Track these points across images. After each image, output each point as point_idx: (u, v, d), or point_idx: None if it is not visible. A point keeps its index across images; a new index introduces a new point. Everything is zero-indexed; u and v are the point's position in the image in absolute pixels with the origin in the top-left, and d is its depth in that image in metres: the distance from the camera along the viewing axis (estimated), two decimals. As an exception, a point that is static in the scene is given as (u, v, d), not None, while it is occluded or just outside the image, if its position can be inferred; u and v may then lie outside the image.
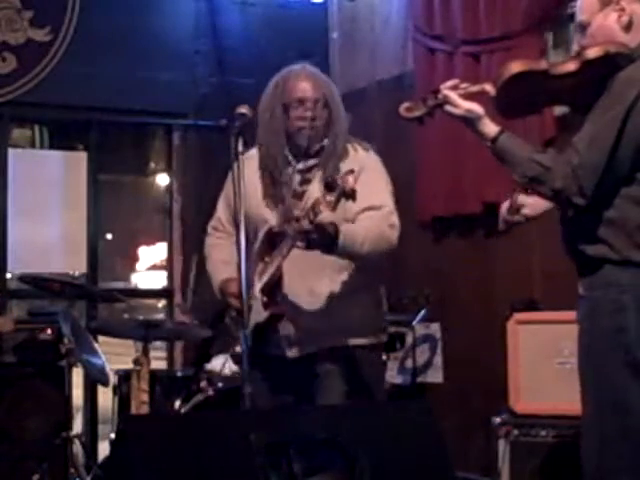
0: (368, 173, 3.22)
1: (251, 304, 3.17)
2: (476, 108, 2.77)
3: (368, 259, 3.19)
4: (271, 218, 3.27)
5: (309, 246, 3.04)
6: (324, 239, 3.00)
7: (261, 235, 3.27)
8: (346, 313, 3.22)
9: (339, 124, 3.30)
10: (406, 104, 2.90)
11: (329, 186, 2.92)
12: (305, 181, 3.27)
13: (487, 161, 4.92)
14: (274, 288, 3.17)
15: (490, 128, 2.76)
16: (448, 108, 2.78)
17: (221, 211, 3.52)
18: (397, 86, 5.72)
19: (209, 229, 3.57)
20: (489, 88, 2.77)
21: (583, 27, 2.77)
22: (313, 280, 3.21)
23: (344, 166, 3.19)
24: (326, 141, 3.28)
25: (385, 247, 3.20)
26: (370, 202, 3.18)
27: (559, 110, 4.39)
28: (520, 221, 2.99)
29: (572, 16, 4.77)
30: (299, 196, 3.24)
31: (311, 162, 3.29)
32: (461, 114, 2.77)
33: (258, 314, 3.17)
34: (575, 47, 2.82)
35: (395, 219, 3.24)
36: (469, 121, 2.78)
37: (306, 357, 3.24)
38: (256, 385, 2.90)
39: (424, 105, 2.84)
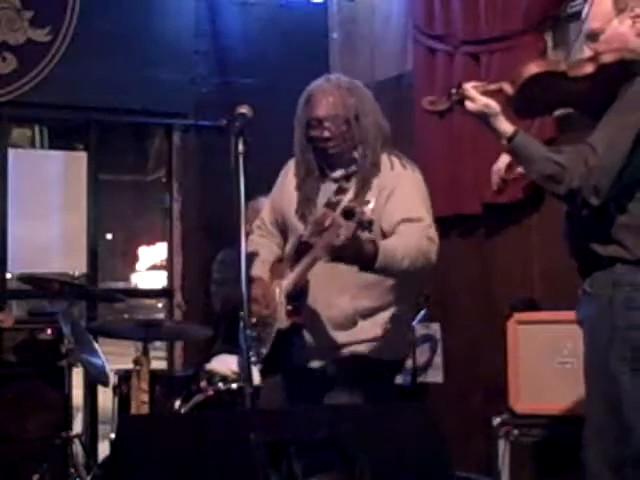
0: (404, 188, 3.19)
1: (276, 309, 3.17)
2: (493, 104, 2.79)
3: (406, 275, 3.12)
4: (300, 228, 3.26)
5: (338, 259, 2.96)
6: (362, 257, 2.93)
7: (291, 243, 3.28)
8: (365, 330, 3.21)
9: (370, 134, 3.25)
10: (430, 98, 2.93)
11: (346, 215, 2.87)
12: (341, 190, 3.24)
13: (486, 162, 4.96)
14: (298, 297, 3.16)
15: (506, 126, 2.79)
16: (467, 104, 2.80)
17: (266, 212, 3.50)
18: (397, 86, 5.72)
19: (253, 226, 3.53)
20: (507, 87, 2.79)
21: (595, 35, 2.81)
22: (334, 295, 3.19)
23: (377, 182, 3.18)
24: (357, 152, 3.24)
25: (423, 262, 3.09)
26: (408, 214, 3.13)
27: (559, 111, 4.39)
28: (516, 177, 3.03)
29: (572, 16, 4.81)
30: (333, 206, 3.20)
31: (349, 170, 3.26)
32: (478, 109, 2.79)
33: (281, 321, 3.17)
34: (587, 53, 2.84)
35: (433, 233, 3.16)
36: (486, 117, 2.79)
37: (320, 369, 3.24)
38: (273, 392, 2.91)
39: (447, 100, 2.86)
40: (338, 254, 2.90)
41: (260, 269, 3.33)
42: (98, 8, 5.70)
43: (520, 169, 2.99)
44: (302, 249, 3.15)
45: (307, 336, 3.22)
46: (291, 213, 3.31)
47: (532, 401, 4.20)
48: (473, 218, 5.14)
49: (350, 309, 3.20)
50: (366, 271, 2.99)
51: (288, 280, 3.18)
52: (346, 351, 3.21)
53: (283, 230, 3.41)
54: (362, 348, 3.22)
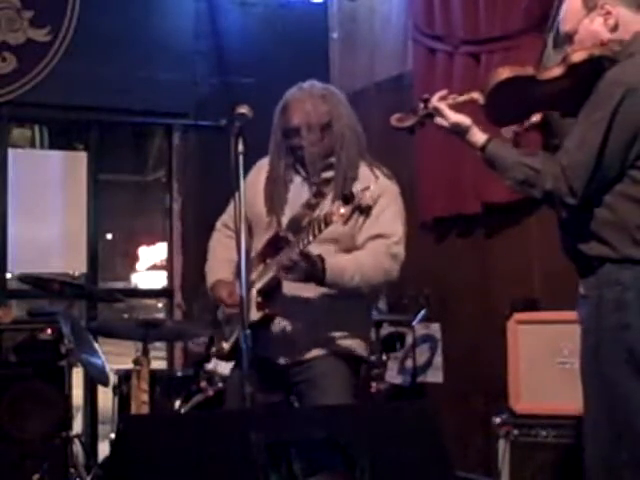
0: (385, 200, 3.21)
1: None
2: (464, 120, 2.81)
3: (360, 291, 3.19)
4: (271, 228, 3.27)
5: (297, 279, 3.07)
6: (312, 272, 3.05)
7: (264, 238, 3.28)
8: (336, 327, 3.23)
9: (345, 138, 3.27)
10: (397, 115, 2.95)
11: (345, 199, 2.94)
12: (320, 194, 3.26)
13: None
14: (271, 291, 3.20)
15: (478, 137, 2.80)
16: (437, 120, 2.84)
17: (232, 209, 3.51)
18: (397, 86, 5.73)
19: (218, 225, 3.56)
20: (477, 96, 2.79)
21: (570, 37, 2.80)
22: (310, 291, 3.20)
23: (360, 186, 3.15)
24: (334, 158, 3.27)
25: (381, 279, 3.21)
26: (381, 230, 3.19)
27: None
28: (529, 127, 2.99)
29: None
30: (312, 207, 3.24)
31: (327, 175, 3.28)
32: (449, 127, 2.82)
33: (252, 314, 3.17)
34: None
35: (399, 250, 3.21)
36: (458, 133, 2.82)
37: (290, 365, 3.25)
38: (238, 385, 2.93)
39: (414, 115, 2.89)
40: (289, 275, 3.05)
41: (224, 270, 3.37)
42: (98, 8, 5.70)
43: (534, 118, 2.95)
44: (279, 244, 3.17)
45: (276, 332, 3.22)
46: (262, 213, 3.32)
47: (532, 401, 4.20)
48: (473, 218, 5.14)
49: (324, 305, 3.21)
50: (318, 285, 3.11)
51: (265, 275, 3.19)
52: (316, 348, 3.23)
53: (249, 229, 3.37)
54: (331, 345, 3.23)
